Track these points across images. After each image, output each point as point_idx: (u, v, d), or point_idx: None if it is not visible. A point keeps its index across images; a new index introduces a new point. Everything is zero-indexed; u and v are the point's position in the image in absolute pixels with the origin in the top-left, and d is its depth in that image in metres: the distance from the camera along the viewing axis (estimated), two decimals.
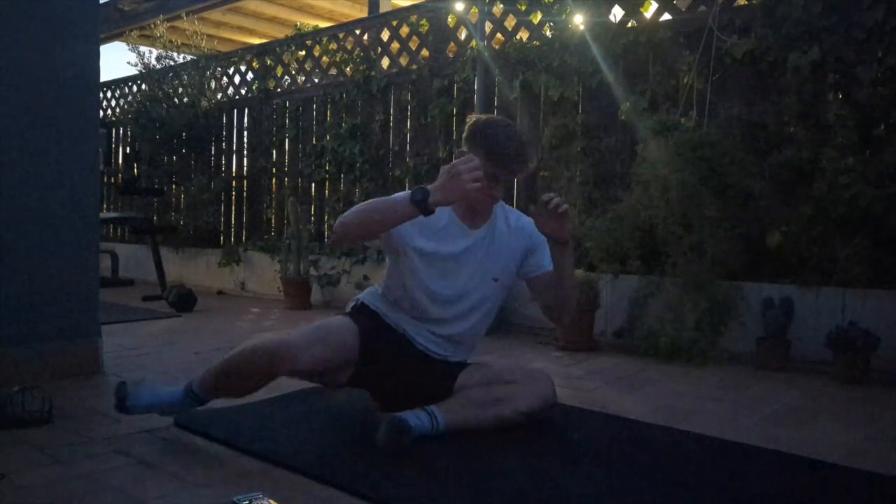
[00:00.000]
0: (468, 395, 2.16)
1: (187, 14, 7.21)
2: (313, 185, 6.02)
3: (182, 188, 6.82)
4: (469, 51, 4.87)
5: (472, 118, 2.23)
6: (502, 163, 2.09)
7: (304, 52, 6.15)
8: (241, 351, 2.08)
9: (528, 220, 2.22)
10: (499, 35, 4.89)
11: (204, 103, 6.68)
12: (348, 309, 2.36)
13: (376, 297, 2.32)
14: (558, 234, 2.08)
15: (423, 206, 1.91)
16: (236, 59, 6.66)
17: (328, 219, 5.85)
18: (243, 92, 6.60)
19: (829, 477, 1.89)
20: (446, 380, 2.20)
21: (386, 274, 2.31)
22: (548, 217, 2.02)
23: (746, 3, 3.95)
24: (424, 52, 5.25)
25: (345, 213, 2.09)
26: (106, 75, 10.41)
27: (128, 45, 7.45)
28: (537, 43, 4.61)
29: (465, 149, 2.16)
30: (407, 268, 2.20)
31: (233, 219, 6.72)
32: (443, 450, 1.99)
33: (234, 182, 6.67)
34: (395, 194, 2.08)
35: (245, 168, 6.63)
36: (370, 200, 2.11)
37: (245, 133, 6.60)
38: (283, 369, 2.06)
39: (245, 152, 6.63)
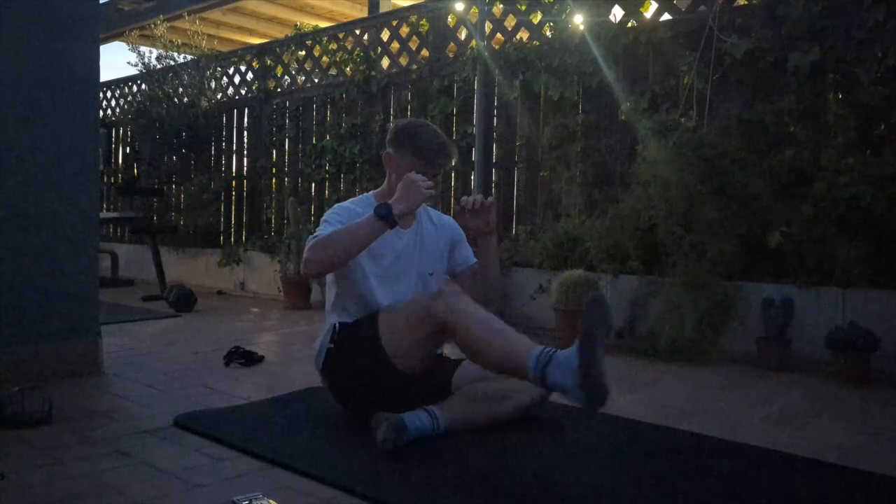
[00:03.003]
0: (467, 393, 2.17)
1: (187, 14, 7.21)
2: (313, 185, 6.02)
3: (182, 188, 6.82)
4: (469, 51, 4.87)
5: (393, 123, 2.44)
6: (429, 158, 2.26)
7: (304, 52, 6.15)
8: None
9: (448, 217, 2.47)
10: (499, 35, 4.89)
11: (204, 103, 6.68)
12: (327, 343, 2.27)
13: (346, 315, 2.29)
14: (485, 228, 2.26)
15: (389, 218, 2.07)
16: (236, 59, 6.66)
17: None
18: (243, 92, 6.60)
19: (829, 477, 1.89)
20: (442, 378, 2.21)
21: (336, 297, 2.31)
22: (473, 214, 2.22)
23: (746, 3, 3.95)
24: (424, 52, 5.25)
25: (311, 251, 2.11)
26: (106, 75, 10.42)
27: (128, 45, 7.45)
28: (537, 43, 4.61)
29: (390, 150, 2.32)
30: (356, 277, 2.24)
31: (233, 219, 6.72)
32: (443, 450, 1.99)
33: (234, 182, 6.67)
34: (332, 216, 2.24)
35: (245, 168, 6.63)
36: (329, 234, 2.13)
37: (245, 133, 6.60)
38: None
39: (245, 152, 6.63)
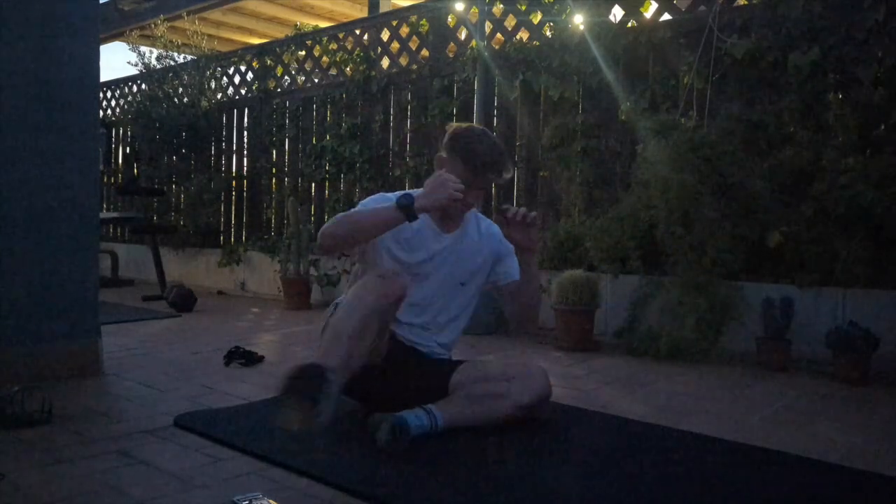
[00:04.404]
0: (465, 393, 2.16)
1: (187, 14, 7.21)
2: (313, 185, 6.02)
3: (182, 188, 6.82)
4: (469, 51, 4.87)
5: (451, 126, 2.32)
6: (479, 171, 2.16)
7: (304, 52, 6.15)
8: (359, 296, 2.02)
9: (498, 229, 2.31)
10: (499, 35, 4.89)
11: (204, 103, 6.68)
12: (329, 315, 2.30)
13: None
14: (525, 243, 2.15)
15: (408, 211, 2.01)
16: (236, 59, 6.67)
17: (328, 219, 5.84)
18: (243, 92, 6.60)
19: (829, 477, 1.89)
20: (440, 379, 2.21)
21: (355, 275, 2.34)
22: (514, 227, 2.10)
23: (746, 3, 3.95)
24: (424, 52, 5.26)
25: (328, 224, 2.13)
26: (106, 75, 10.42)
27: (128, 45, 7.47)
28: (537, 43, 4.62)
29: (443, 154, 2.24)
30: (383, 267, 2.23)
31: (233, 219, 6.72)
32: (442, 449, 1.99)
33: (234, 182, 6.68)
34: (370, 200, 2.20)
35: (245, 168, 6.63)
36: (352, 211, 2.16)
37: (245, 133, 6.61)
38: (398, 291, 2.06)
39: (245, 152, 6.63)
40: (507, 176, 2.28)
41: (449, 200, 2.04)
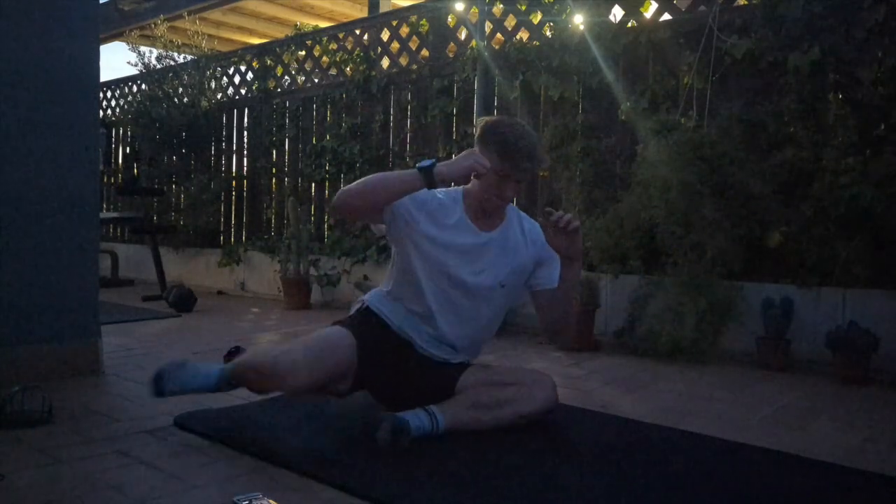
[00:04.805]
0: (469, 397, 2.15)
1: (187, 14, 7.21)
2: (313, 185, 6.02)
3: (182, 188, 6.82)
4: (469, 51, 4.87)
5: (482, 119, 2.26)
6: (514, 161, 2.10)
7: (304, 52, 6.15)
8: (262, 360, 2.15)
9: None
10: (499, 35, 4.89)
11: (204, 103, 6.68)
12: (353, 311, 2.35)
13: (381, 299, 2.30)
14: (567, 251, 2.09)
15: (427, 173, 1.99)
16: (236, 59, 6.67)
17: (328, 219, 5.86)
18: (243, 92, 6.60)
19: (829, 477, 1.89)
20: (447, 381, 2.19)
21: (390, 270, 2.32)
22: (556, 232, 2.04)
23: (746, 3, 3.95)
24: (424, 52, 5.26)
25: (352, 183, 2.13)
26: (106, 75, 10.43)
27: (128, 45, 7.47)
28: (537, 43, 4.61)
29: (476, 149, 2.18)
30: (417, 259, 2.18)
31: (233, 219, 6.72)
32: (443, 450, 1.99)
33: (234, 182, 6.68)
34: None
35: (245, 168, 6.63)
36: (373, 175, 2.15)
37: (245, 133, 6.60)
38: (282, 387, 2.13)
39: (245, 152, 6.63)
40: (544, 165, 2.21)
41: (469, 170, 2.01)
